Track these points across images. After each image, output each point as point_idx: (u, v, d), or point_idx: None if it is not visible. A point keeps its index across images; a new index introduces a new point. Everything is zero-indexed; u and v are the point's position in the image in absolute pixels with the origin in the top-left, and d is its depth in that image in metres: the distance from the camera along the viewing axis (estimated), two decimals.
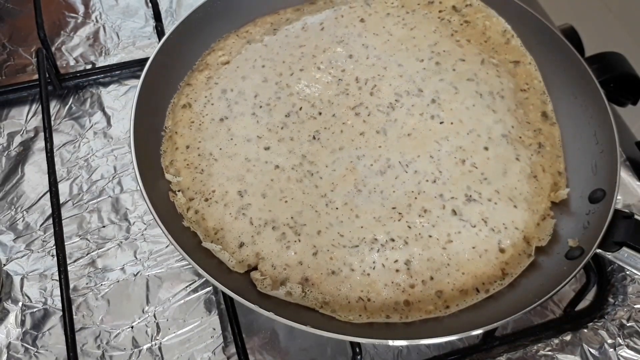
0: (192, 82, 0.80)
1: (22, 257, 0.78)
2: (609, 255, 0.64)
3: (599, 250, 0.64)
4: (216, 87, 0.79)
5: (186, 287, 0.76)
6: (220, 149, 0.73)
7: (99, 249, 0.78)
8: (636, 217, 0.64)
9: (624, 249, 0.63)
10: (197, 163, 0.73)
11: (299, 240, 0.66)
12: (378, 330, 0.62)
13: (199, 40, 0.84)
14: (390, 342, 0.60)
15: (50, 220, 0.78)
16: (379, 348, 0.72)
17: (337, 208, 0.69)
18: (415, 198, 0.69)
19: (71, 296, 0.72)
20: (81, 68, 0.96)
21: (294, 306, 0.64)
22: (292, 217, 0.68)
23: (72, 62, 0.97)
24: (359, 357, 0.63)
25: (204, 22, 0.83)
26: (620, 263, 0.64)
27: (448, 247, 0.66)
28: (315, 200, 0.69)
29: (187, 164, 0.73)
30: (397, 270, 0.65)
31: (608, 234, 0.64)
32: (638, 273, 0.63)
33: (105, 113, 0.91)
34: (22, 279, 0.76)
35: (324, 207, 0.69)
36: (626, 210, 0.66)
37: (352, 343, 0.63)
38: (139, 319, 0.73)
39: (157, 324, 0.73)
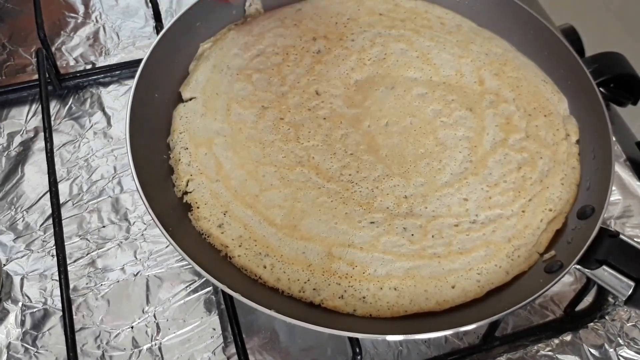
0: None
1: (22, 257, 0.78)
2: (587, 272, 0.64)
3: (578, 267, 0.63)
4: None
5: (186, 287, 0.76)
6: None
7: (99, 249, 0.78)
8: (621, 237, 0.64)
9: (604, 267, 0.63)
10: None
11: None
12: (375, 326, 0.63)
13: (196, 34, 0.84)
14: (388, 337, 0.60)
15: (50, 221, 0.78)
16: (379, 348, 0.72)
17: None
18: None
19: (71, 296, 0.72)
20: (81, 68, 0.96)
21: (295, 304, 0.64)
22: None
23: (72, 62, 0.97)
24: (359, 357, 0.63)
25: (200, 17, 0.84)
26: (599, 281, 0.63)
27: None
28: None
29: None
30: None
31: (590, 251, 0.64)
32: (615, 292, 0.63)
33: (105, 113, 0.91)
34: (22, 279, 0.76)
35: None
36: (612, 229, 0.65)
37: (352, 342, 0.63)
38: (139, 319, 0.73)
39: (157, 324, 0.73)
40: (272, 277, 0.65)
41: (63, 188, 0.82)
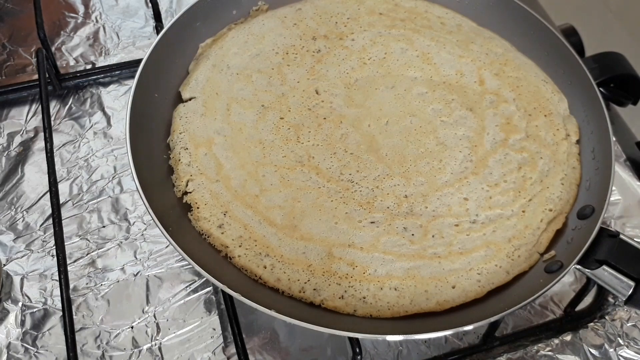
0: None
1: (22, 257, 0.78)
2: (587, 273, 0.64)
3: (578, 267, 0.63)
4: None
5: (186, 287, 0.76)
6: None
7: (98, 249, 0.78)
8: (621, 236, 0.64)
9: (604, 267, 0.63)
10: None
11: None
12: (375, 326, 0.63)
13: (196, 34, 0.84)
14: (388, 337, 0.60)
15: (50, 221, 0.78)
16: (379, 348, 0.72)
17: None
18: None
19: (71, 296, 0.72)
20: (81, 68, 0.96)
21: (295, 304, 0.64)
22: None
23: (72, 62, 0.97)
24: (359, 357, 0.63)
25: (200, 17, 0.83)
26: (599, 281, 0.63)
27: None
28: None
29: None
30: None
31: (590, 251, 0.64)
32: (615, 292, 0.63)
33: (105, 113, 0.91)
34: (22, 279, 0.76)
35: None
36: (612, 229, 0.65)
37: (352, 342, 0.63)
38: (139, 319, 0.73)
39: (157, 324, 0.73)
40: (272, 277, 0.65)
41: (63, 188, 0.82)
